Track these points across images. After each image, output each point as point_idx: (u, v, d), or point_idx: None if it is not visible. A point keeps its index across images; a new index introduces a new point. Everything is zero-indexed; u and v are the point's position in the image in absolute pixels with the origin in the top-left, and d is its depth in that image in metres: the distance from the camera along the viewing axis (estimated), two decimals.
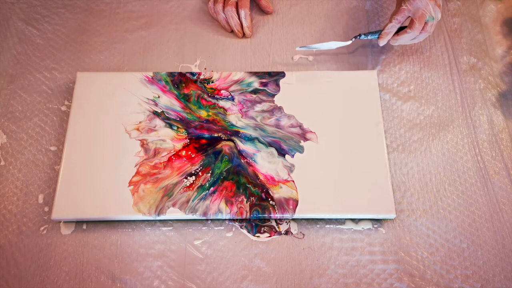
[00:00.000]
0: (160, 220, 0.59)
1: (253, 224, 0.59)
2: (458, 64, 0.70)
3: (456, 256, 0.57)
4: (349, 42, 0.67)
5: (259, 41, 0.72)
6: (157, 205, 0.57)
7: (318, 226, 0.59)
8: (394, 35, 0.64)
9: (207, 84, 0.66)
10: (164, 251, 0.57)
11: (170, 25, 0.73)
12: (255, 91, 0.65)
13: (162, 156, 0.60)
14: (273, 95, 0.65)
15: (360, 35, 0.67)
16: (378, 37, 0.65)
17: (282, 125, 0.63)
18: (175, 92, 0.65)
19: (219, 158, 0.60)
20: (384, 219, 0.59)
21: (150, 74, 0.66)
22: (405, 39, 0.64)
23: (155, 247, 0.57)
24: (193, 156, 0.60)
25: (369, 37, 0.66)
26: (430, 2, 0.61)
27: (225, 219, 0.59)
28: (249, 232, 0.58)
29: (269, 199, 0.58)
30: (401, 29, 0.64)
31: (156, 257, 0.57)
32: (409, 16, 0.62)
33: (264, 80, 0.66)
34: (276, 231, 0.58)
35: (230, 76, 0.66)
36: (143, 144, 0.61)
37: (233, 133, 0.62)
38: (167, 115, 0.63)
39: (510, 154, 0.63)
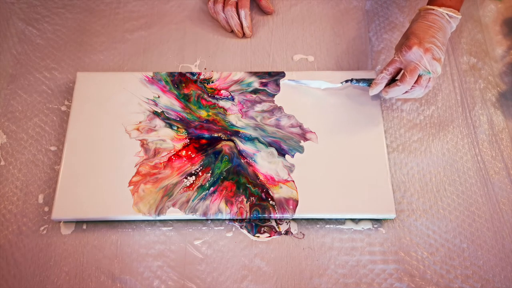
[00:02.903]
0: (160, 220, 0.59)
1: (253, 224, 0.59)
2: (458, 64, 0.70)
3: (456, 256, 0.57)
4: (339, 85, 0.64)
5: (259, 41, 0.72)
6: (157, 205, 0.57)
7: (318, 226, 0.59)
8: (386, 86, 0.60)
9: (207, 84, 0.66)
10: (164, 251, 0.57)
11: (170, 25, 0.73)
12: (255, 91, 0.65)
13: (162, 156, 0.60)
14: (273, 95, 0.65)
15: (352, 80, 0.63)
16: (368, 86, 0.62)
17: (282, 125, 0.63)
18: (175, 92, 0.65)
19: (219, 158, 0.60)
20: (384, 219, 0.59)
21: (150, 74, 0.66)
22: (395, 92, 0.59)
23: (155, 247, 0.57)
24: (193, 156, 0.60)
25: (361, 84, 0.63)
26: (425, 55, 0.56)
27: (225, 219, 0.59)
28: (249, 232, 0.58)
29: (269, 199, 0.58)
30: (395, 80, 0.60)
31: (156, 257, 0.57)
32: (401, 68, 0.58)
33: (264, 80, 0.66)
34: (276, 231, 0.58)
35: (230, 76, 0.66)
36: (143, 144, 0.61)
37: (233, 133, 0.62)
38: (167, 115, 0.63)
39: (510, 154, 0.63)
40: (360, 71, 0.67)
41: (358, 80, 0.63)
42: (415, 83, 0.58)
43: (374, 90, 0.60)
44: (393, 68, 0.58)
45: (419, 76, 0.57)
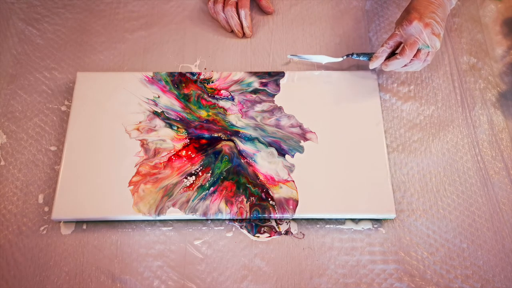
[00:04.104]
0: (160, 220, 0.59)
1: (253, 224, 0.59)
2: (458, 64, 0.70)
3: (456, 256, 0.57)
4: (340, 59, 0.66)
5: (259, 41, 0.72)
6: (157, 205, 0.57)
7: (318, 226, 0.59)
8: (386, 60, 0.61)
9: (207, 84, 0.66)
10: (164, 251, 0.57)
11: (170, 25, 0.73)
12: (255, 91, 0.65)
13: (162, 156, 0.60)
14: (273, 95, 0.65)
15: (352, 54, 0.65)
16: (369, 59, 0.63)
17: (282, 125, 0.63)
18: (175, 92, 0.65)
19: (219, 158, 0.60)
20: (384, 219, 0.59)
21: (150, 74, 0.66)
22: (395, 65, 0.60)
23: (155, 247, 0.57)
24: (193, 156, 0.60)
25: (361, 57, 0.65)
26: (425, 30, 0.58)
27: (225, 219, 0.59)
28: (249, 232, 0.58)
29: (269, 199, 0.58)
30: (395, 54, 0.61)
31: (156, 257, 0.57)
32: (402, 42, 0.59)
33: (264, 80, 0.66)
34: (276, 231, 0.58)
35: (230, 76, 0.66)
36: (143, 144, 0.61)
37: (233, 133, 0.62)
38: (167, 115, 0.63)
39: (510, 154, 0.63)
40: (359, 71, 0.67)
41: (358, 54, 0.65)
42: (414, 56, 0.59)
43: (375, 63, 0.62)
44: (393, 42, 0.60)
45: (418, 50, 0.59)
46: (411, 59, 0.59)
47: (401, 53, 0.59)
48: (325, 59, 0.67)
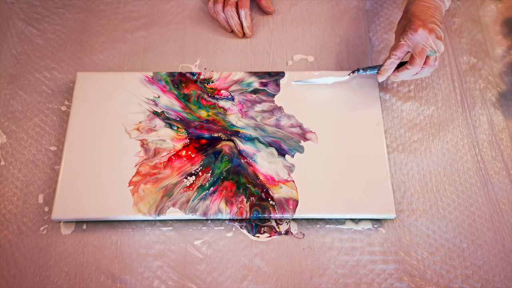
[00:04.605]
0: (160, 220, 0.59)
1: (253, 224, 0.59)
2: (458, 64, 0.70)
3: (456, 256, 0.57)
4: (347, 78, 0.64)
5: (259, 41, 0.72)
6: (157, 205, 0.57)
7: (318, 226, 0.59)
8: (394, 70, 0.60)
9: (207, 84, 0.66)
10: (164, 251, 0.57)
11: (170, 25, 0.73)
12: (255, 91, 0.65)
13: (162, 156, 0.60)
14: (273, 95, 0.65)
15: (358, 69, 0.63)
16: (377, 73, 0.62)
17: (282, 125, 0.63)
18: (175, 92, 0.65)
19: (219, 158, 0.60)
20: (384, 219, 0.59)
21: (150, 74, 0.66)
22: (406, 75, 0.60)
23: (155, 247, 0.57)
24: (193, 156, 0.60)
25: (368, 72, 0.63)
26: (430, 36, 0.57)
27: (225, 219, 0.59)
28: (249, 232, 0.58)
29: (269, 199, 0.58)
30: (402, 64, 0.60)
31: (156, 257, 0.57)
32: (409, 51, 0.59)
33: (264, 80, 0.66)
34: (276, 231, 0.58)
35: (230, 76, 0.66)
36: (143, 144, 0.61)
37: (233, 133, 0.62)
38: (167, 115, 0.63)
39: (510, 154, 0.63)
40: None
41: (364, 69, 0.63)
42: (423, 64, 0.59)
43: (384, 76, 0.61)
44: (401, 52, 0.59)
45: (427, 57, 0.58)
46: (422, 67, 0.59)
47: (411, 62, 0.58)
48: (331, 80, 0.65)
